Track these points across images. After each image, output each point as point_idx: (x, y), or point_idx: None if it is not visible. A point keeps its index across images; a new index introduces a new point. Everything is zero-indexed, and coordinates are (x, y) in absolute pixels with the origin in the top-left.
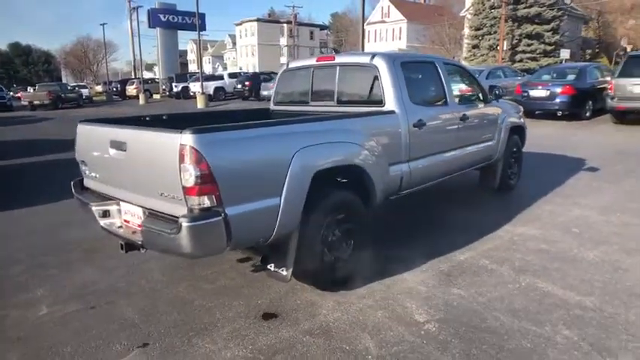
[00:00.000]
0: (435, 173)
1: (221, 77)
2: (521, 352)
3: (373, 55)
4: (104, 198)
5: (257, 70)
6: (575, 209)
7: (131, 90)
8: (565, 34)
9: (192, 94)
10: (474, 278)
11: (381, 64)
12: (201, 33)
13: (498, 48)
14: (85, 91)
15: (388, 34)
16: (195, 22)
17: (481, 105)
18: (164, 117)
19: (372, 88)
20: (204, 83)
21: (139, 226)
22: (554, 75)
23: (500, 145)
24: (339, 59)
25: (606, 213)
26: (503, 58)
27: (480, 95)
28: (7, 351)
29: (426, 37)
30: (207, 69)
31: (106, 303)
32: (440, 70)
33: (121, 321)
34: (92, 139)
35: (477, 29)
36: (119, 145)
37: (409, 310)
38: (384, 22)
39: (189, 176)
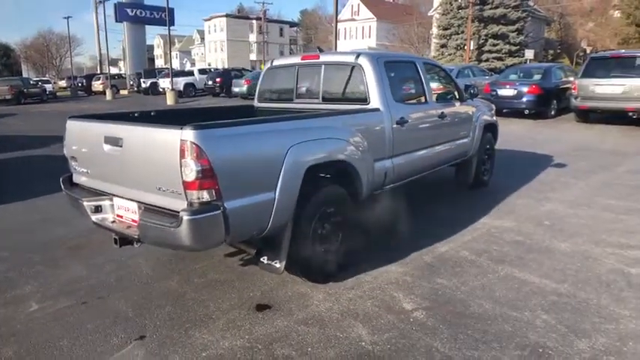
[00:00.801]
0: (416, 169)
1: (191, 73)
2: (504, 335)
3: (358, 55)
4: (96, 194)
5: (226, 66)
6: (546, 203)
7: (97, 85)
8: (529, 35)
9: (161, 90)
10: (456, 269)
11: (365, 63)
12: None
13: (465, 47)
14: (48, 86)
15: (358, 32)
16: (164, 16)
17: (457, 103)
18: (152, 113)
19: (356, 86)
20: (173, 79)
21: (134, 220)
22: (521, 75)
23: (474, 142)
24: (324, 58)
25: (574, 207)
26: (470, 58)
27: (456, 94)
28: (2, 347)
29: (395, 35)
30: (175, 64)
31: (98, 298)
32: (420, 69)
33: (114, 315)
34: (84, 135)
35: (445, 29)
36: (114, 141)
37: (397, 299)
38: (353, 20)
39: (190, 171)
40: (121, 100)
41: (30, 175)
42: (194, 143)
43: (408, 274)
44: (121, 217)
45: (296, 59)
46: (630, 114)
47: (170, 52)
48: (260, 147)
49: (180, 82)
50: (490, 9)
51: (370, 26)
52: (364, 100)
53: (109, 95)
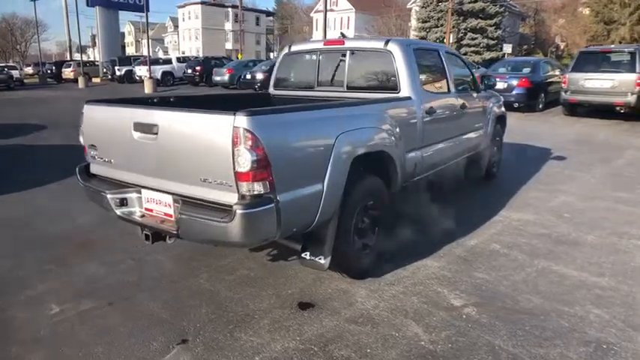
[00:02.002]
0: (440, 161)
1: (169, 61)
2: (562, 331)
3: (387, 41)
4: (120, 185)
5: (201, 55)
6: (559, 196)
7: (68, 73)
8: (506, 29)
9: (137, 78)
10: (492, 262)
11: (395, 49)
12: (142, 14)
13: (445, 41)
14: (15, 73)
15: (336, 22)
16: (138, 1)
17: (475, 94)
18: (171, 99)
19: (386, 73)
20: (151, 67)
21: (167, 215)
22: (510, 68)
23: (488, 134)
24: (350, 44)
25: (587, 200)
26: None
27: (473, 84)
28: (27, 353)
29: (374, 27)
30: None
31: (124, 299)
32: (443, 58)
33: (147, 317)
34: (107, 122)
35: (424, 22)
36: (147, 129)
37: (442, 295)
38: (332, 10)
39: (244, 161)
40: (95, 88)
41: (12, 165)
42: (249, 130)
43: (445, 268)
44: (151, 210)
45: (317, 45)
46: (618, 108)
47: (148, 39)
48: (311, 135)
49: (158, 70)
50: (469, 3)
51: (349, 17)
52: (394, 88)
53: (81, 83)
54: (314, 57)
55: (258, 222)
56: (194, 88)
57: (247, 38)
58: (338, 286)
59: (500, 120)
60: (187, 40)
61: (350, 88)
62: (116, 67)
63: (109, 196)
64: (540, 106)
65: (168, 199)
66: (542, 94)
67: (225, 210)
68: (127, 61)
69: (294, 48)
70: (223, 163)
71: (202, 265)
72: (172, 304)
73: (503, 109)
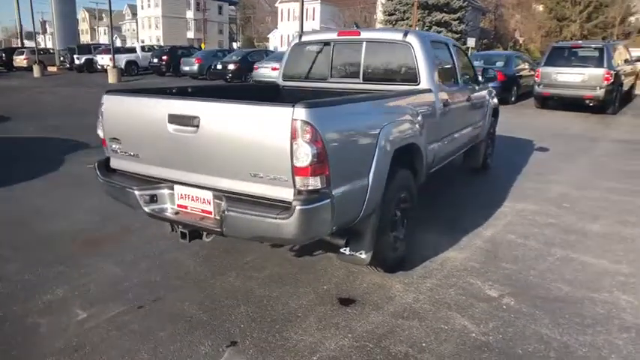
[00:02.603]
0: (451, 152)
1: (133, 50)
2: (600, 317)
3: (406, 32)
4: (148, 181)
5: (162, 44)
6: (553, 186)
7: (20, 61)
8: (469, 23)
9: (99, 67)
10: (513, 252)
11: (415, 41)
12: (96, 1)
13: None
14: None
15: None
16: None
17: (477, 87)
18: (189, 89)
19: (405, 65)
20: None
21: (205, 212)
22: (482, 62)
23: (486, 126)
24: (367, 35)
25: (580, 189)
26: None
27: (474, 77)
28: None
29: (340, 18)
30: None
31: (154, 300)
32: (452, 51)
33: (186, 319)
34: (135, 113)
35: (390, 14)
36: (186, 121)
37: (477, 286)
38: (297, 0)
39: (304, 155)
40: (52, 77)
41: None
42: (309, 123)
43: (471, 259)
44: (185, 207)
45: (330, 35)
46: (587, 101)
47: (111, 26)
48: (360, 127)
49: (122, 59)
50: None
51: (314, 8)
52: (414, 80)
53: (36, 72)
54: (327, 47)
55: (315, 218)
56: (160, 78)
57: (210, 27)
58: (372, 281)
59: (495, 112)
60: (147, 28)
61: (366, 80)
62: (75, 56)
63: (137, 192)
64: (513, 99)
65: (208, 195)
66: (515, 87)
67: (280, 206)
68: (86, 49)
69: (304, 38)
70: (279, 157)
71: (226, 262)
72: (208, 305)
73: (496, 101)
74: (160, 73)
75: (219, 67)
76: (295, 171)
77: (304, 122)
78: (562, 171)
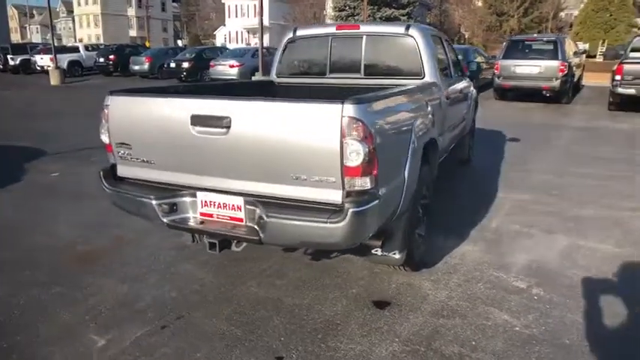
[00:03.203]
0: (449, 144)
1: (76, 49)
2: (630, 301)
3: (408, 26)
4: (165, 189)
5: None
6: (535, 175)
7: None
8: (417, 19)
9: (38, 68)
10: (522, 242)
11: (417, 34)
12: None
13: None
14: None
15: (250, 9)
16: None
17: (464, 79)
18: (180, 89)
19: (410, 59)
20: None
21: (235, 219)
22: None
23: (471, 117)
24: (367, 28)
25: (560, 176)
26: None
27: (461, 70)
28: None
29: (290, 14)
30: (36, 40)
31: (177, 318)
32: (445, 44)
33: (219, 337)
34: (149, 115)
35: (341, 10)
36: (214, 122)
37: (502, 278)
38: None
39: (356, 154)
40: None
41: None
42: (359, 120)
43: (487, 252)
44: (210, 215)
45: (327, 29)
46: (544, 92)
47: (52, 24)
48: (399, 122)
49: (64, 59)
50: None
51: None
52: (419, 74)
53: None
54: (324, 42)
55: (366, 220)
56: (108, 78)
57: (153, 25)
58: (399, 281)
59: (476, 104)
60: (85, 26)
61: (368, 74)
62: (9, 56)
63: (154, 202)
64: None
65: (238, 201)
66: (474, 80)
67: (327, 209)
68: (22, 49)
69: (299, 33)
70: (327, 157)
71: (242, 271)
72: (238, 319)
73: (476, 92)
74: (107, 73)
75: (172, 65)
76: (345, 171)
77: (354, 119)
78: (538, 160)
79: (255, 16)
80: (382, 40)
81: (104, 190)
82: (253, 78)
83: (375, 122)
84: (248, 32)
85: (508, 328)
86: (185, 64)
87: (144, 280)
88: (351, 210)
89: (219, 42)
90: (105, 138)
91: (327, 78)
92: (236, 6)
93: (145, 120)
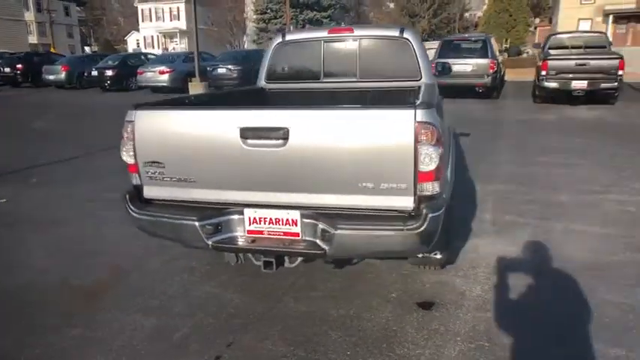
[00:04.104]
0: None
1: None
2: (634, 275)
3: (402, 29)
4: (201, 208)
5: None
6: (501, 166)
7: None
8: (338, 21)
9: None
10: (523, 231)
11: (412, 37)
12: None
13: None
14: None
15: (165, 14)
16: None
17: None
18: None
19: (406, 61)
20: None
21: (289, 234)
22: None
23: None
24: (361, 32)
25: (524, 166)
26: None
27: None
28: None
29: (209, 18)
30: None
31: (228, 346)
32: (423, 46)
33: (282, 359)
34: (188, 129)
35: (262, 13)
36: (270, 134)
37: (524, 267)
38: (158, 0)
39: (429, 159)
40: None
41: None
42: (432, 124)
43: (495, 243)
44: (261, 232)
45: (320, 33)
46: (477, 88)
47: None
48: (446, 125)
49: None
50: None
51: (178, 7)
52: (416, 76)
53: None
54: (317, 46)
55: (439, 224)
56: (18, 90)
57: (57, 30)
58: (430, 280)
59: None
60: None
61: (363, 78)
62: None
63: (197, 223)
64: None
65: (294, 215)
66: None
67: (399, 217)
68: None
69: (289, 37)
70: (400, 164)
71: (270, 288)
72: (293, 338)
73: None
74: (15, 83)
75: (94, 73)
76: (420, 177)
77: (427, 123)
78: (496, 152)
79: (171, 20)
80: (377, 43)
81: (130, 214)
82: (190, 84)
83: (440, 125)
84: (165, 37)
85: (571, 317)
86: (109, 72)
87: (168, 309)
88: (430, 215)
89: (130, 48)
90: (128, 158)
91: (321, 82)
92: (150, 10)
93: (181, 135)
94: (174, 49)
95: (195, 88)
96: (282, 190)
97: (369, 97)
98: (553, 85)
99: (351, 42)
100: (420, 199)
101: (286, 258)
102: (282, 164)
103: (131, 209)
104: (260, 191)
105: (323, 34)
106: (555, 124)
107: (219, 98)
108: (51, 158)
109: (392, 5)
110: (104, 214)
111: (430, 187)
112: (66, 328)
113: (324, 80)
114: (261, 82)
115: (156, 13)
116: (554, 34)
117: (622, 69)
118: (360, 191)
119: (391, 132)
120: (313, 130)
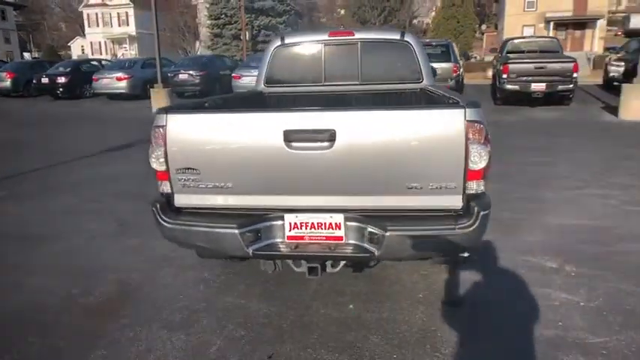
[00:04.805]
0: None
1: None
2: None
3: (402, 32)
4: (237, 215)
5: None
6: None
7: None
8: (293, 27)
9: None
10: (522, 226)
11: (412, 40)
12: None
13: (241, 37)
14: None
15: (113, 19)
16: None
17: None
18: (206, 104)
19: (407, 64)
20: None
21: (332, 238)
22: None
23: None
24: (362, 35)
25: (502, 165)
26: (247, 48)
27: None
28: None
29: (160, 23)
30: None
31: (269, 357)
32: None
33: None
34: (227, 133)
35: (217, 18)
36: (316, 136)
37: (533, 262)
38: (105, 5)
39: (479, 157)
40: None
41: None
42: (481, 123)
43: (498, 240)
44: (302, 238)
45: (320, 36)
46: None
47: None
48: None
49: None
50: (259, 1)
51: (127, 12)
52: (418, 78)
53: None
54: (317, 50)
55: (487, 222)
56: None
57: None
58: (444, 278)
59: None
60: None
61: (365, 81)
62: None
63: (237, 231)
64: None
65: (338, 218)
66: None
67: (449, 216)
68: None
69: (288, 40)
70: (450, 163)
71: (294, 295)
72: (334, 345)
73: None
74: None
75: (44, 80)
76: (470, 175)
77: (477, 122)
78: None
79: (120, 25)
80: (378, 47)
81: (162, 225)
82: (152, 90)
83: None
84: (113, 42)
85: (573, 303)
86: (61, 79)
87: (194, 323)
88: (482, 213)
89: (75, 54)
90: (158, 165)
91: (322, 85)
92: (97, 15)
93: (217, 140)
94: (123, 55)
95: (158, 94)
96: (325, 193)
97: (401, 98)
98: (514, 87)
99: (353, 45)
100: (468, 198)
101: (327, 263)
102: (327, 167)
103: (163, 219)
104: (301, 195)
105: (323, 37)
106: (518, 125)
107: (225, 102)
108: (12, 171)
109: (343, 12)
110: (91, 227)
111: (477, 186)
112: (89, 350)
113: (326, 83)
114: (260, 85)
115: (103, 18)
116: (511, 39)
117: (576, 71)
118: (407, 192)
119: (441, 131)
120: (360, 132)
